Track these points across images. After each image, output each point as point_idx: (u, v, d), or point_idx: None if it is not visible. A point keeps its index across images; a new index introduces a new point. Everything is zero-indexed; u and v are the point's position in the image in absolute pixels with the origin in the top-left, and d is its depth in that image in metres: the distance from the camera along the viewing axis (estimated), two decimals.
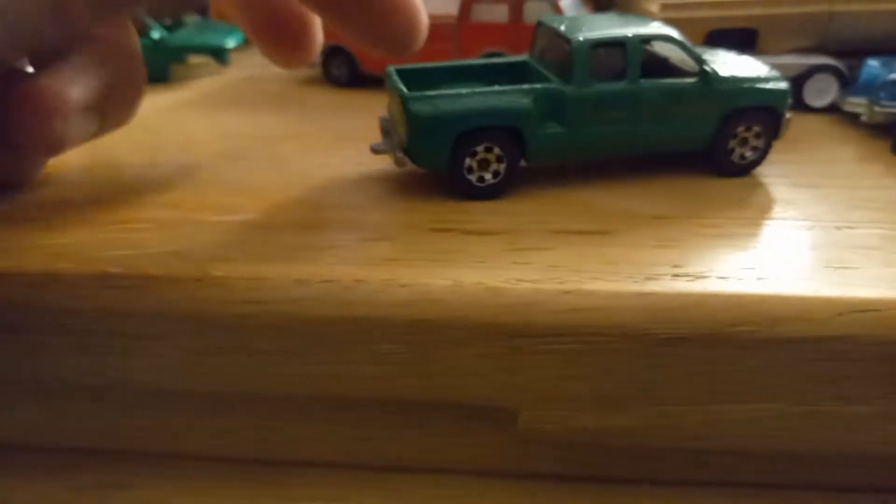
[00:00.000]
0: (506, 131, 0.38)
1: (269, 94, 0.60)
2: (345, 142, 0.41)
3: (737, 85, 0.40)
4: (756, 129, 0.41)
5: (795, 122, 0.51)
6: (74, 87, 0.35)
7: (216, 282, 0.31)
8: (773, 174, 0.42)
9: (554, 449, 0.33)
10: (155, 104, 0.57)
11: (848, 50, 0.56)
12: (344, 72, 0.57)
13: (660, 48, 0.43)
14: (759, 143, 0.41)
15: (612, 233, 0.35)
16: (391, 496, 0.35)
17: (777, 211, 0.38)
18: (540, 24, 0.42)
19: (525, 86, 0.39)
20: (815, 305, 0.29)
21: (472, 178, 0.38)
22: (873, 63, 0.51)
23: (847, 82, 0.54)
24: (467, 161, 0.38)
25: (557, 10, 0.53)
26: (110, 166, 0.44)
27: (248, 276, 0.31)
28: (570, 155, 0.40)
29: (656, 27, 0.41)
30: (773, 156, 0.42)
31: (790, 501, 0.34)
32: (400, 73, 0.41)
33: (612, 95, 0.39)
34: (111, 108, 0.38)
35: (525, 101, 0.38)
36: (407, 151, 0.39)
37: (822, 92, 0.55)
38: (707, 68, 0.40)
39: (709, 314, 0.29)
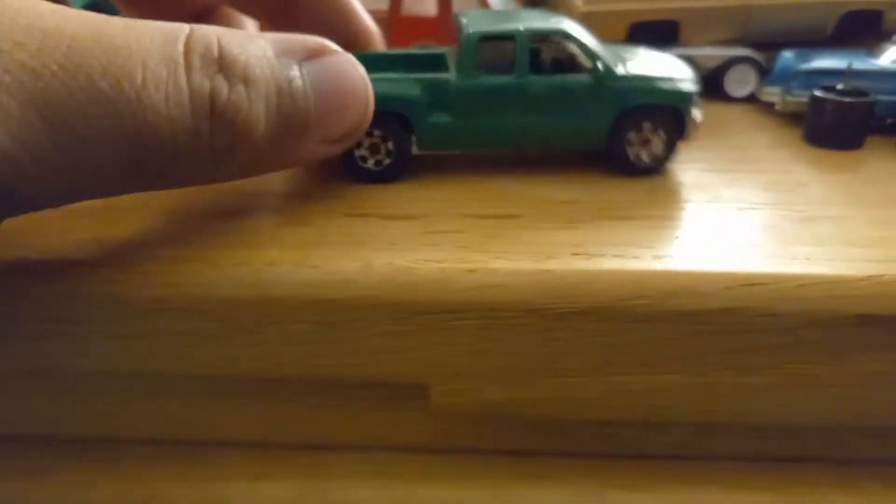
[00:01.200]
0: (395, 117, 0.39)
1: None
2: None
3: (631, 83, 0.40)
4: (655, 129, 0.40)
5: (715, 112, 0.54)
6: None
7: (133, 266, 0.32)
8: (688, 160, 0.44)
9: (467, 423, 0.35)
10: None
11: (767, 41, 0.58)
12: None
13: (569, 44, 0.41)
14: (661, 144, 0.41)
15: (521, 216, 0.36)
16: (313, 473, 0.36)
17: (685, 194, 0.39)
18: (455, 16, 0.43)
19: (415, 74, 0.40)
20: (705, 279, 0.31)
21: (368, 163, 0.40)
22: (787, 55, 0.53)
23: (765, 73, 0.56)
24: (355, 147, 0.39)
25: (484, 4, 0.55)
26: None
27: (164, 260, 0.32)
28: (460, 144, 0.41)
29: (555, 23, 0.41)
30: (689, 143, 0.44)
31: (698, 472, 0.36)
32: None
33: (499, 88, 0.39)
34: None
35: (413, 89, 0.39)
36: None
37: (741, 82, 0.57)
38: (599, 65, 0.39)
39: (603, 289, 0.31)
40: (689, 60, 0.54)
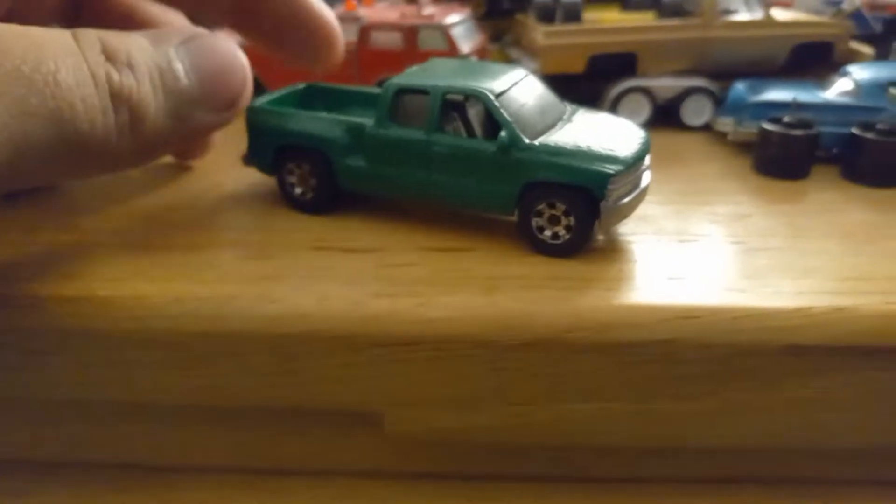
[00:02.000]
0: (318, 154, 0.41)
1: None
2: (240, 166, 0.44)
3: (538, 156, 0.36)
4: (564, 209, 0.36)
5: (671, 141, 0.56)
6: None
7: (101, 300, 0.33)
8: None
9: (422, 448, 0.36)
10: None
11: (723, 72, 0.60)
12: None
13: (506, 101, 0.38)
14: (570, 223, 0.37)
15: (473, 249, 0.38)
16: (275, 498, 0.38)
17: (631, 226, 0.41)
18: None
19: (340, 116, 0.41)
20: (642, 312, 0.33)
21: (297, 191, 0.43)
22: (740, 86, 0.56)
23: (720, 103, 0.58)
24: (287, 175, 0.42)
25: (448, 40, 0.56)
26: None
27: (130, 294, 0.33)
28: (375, 188, 0.41)
29: (482, 83, 0.38)
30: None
31: (645, 494, 0.38)
32: (312, 89, 0.46)
33: (406, 141, 0.39)
34: None
35: (334, 130, 0.41)
36: (247, 155, 0.44)
37: (697, 112, 0.59)
38: (505, 133, 0.37)
39: (546, 322, 0.32)
40: (647, 91, 0.57)
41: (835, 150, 0.51)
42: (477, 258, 0.37)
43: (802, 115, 0.49)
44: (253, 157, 0.44)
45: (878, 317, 0.33)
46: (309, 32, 0.41)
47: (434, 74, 0.40)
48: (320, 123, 0.41)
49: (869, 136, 0.48)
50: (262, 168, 0.44)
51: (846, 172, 0.49)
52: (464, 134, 0.39)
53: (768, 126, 0.49)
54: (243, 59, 0.36)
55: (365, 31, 0.58)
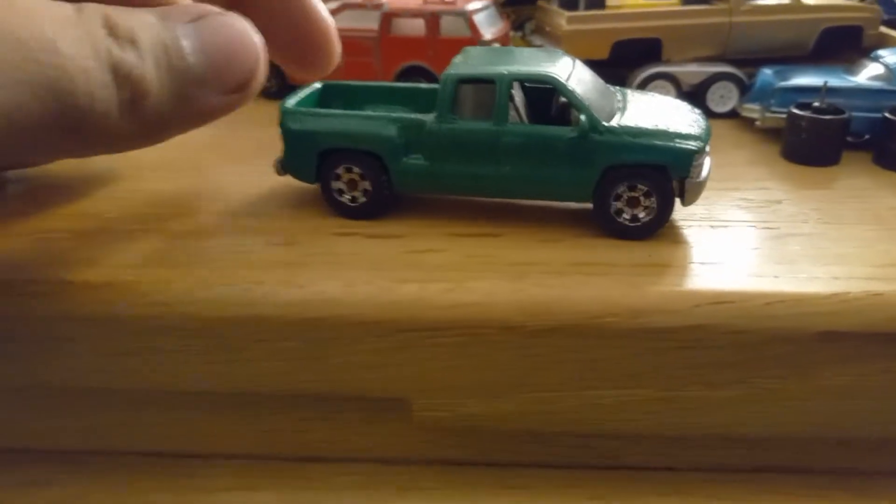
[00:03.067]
0: (369, 156, 0.38)
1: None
2: (265, 152, 0.43)
3: (620, 138, 0.36)
4: (646, 190, 0.36)
5: None
6: None
7: (125, 286, 0.33)
8: None
9: (449, 435, 0.36)
10: None
11: (749, 58, 0.59)
12: (273, 83, 0.59)
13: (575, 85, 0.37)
14: (651, 207, 0.37)
15: (500, 235, 0.37)
16: (303, 485, 0.37)
17: None
18: (462, 51, 0.42)
19: (393, 114, 0.39)
20: (673, 297, 0.32)
21: (345, 197, 0.39)
22: (767, 71, 0.55)
23: (746, 89, 0.57)
24: (334, 181, 0.39)
25: (472, 26, 0.56)
26: (33, 177, 0.45)
27: (154, 279, 0.33)
28: (435, 188, 0.39)
29: (546, 67, 0.38)
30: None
31: (672, 482, 0.37)
32: (330, 88, 0.43)
33: (474, 134, 0.37)
34: None
35: (388, 129, 0.38)
36: (283, 163, 0.41)
37: (723, 98, 0.58)
38: (584, 117, 0.36)
39: (574, 307, 0.32)
40: (672, 77, 0.56)
41: (866, 136, 0.50)
42: (503, 244, 0.37)
43: (832, 100, 0.49)
44: (291, 164, 0.40)
45: None
46: (303, 36, 0.40)
47: (487, 63, 0.39)
48: (372, 123, 0.38)
49: None
50: (303, 176, 0.40)
51: (878, 158, 0.48)
52: (523, 122, 0.38)
53: (798, 111, 0.48)
54: (257, 40, 0.35)
55: (386, 18, 0.58)
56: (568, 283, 0.33)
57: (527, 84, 0.40)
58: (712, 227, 0.39)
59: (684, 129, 0.37)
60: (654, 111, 0.39)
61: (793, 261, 0.35)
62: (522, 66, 0.38)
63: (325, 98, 0.43)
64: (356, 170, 0.38)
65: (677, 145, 0.36)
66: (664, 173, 0.36)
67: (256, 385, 0.35)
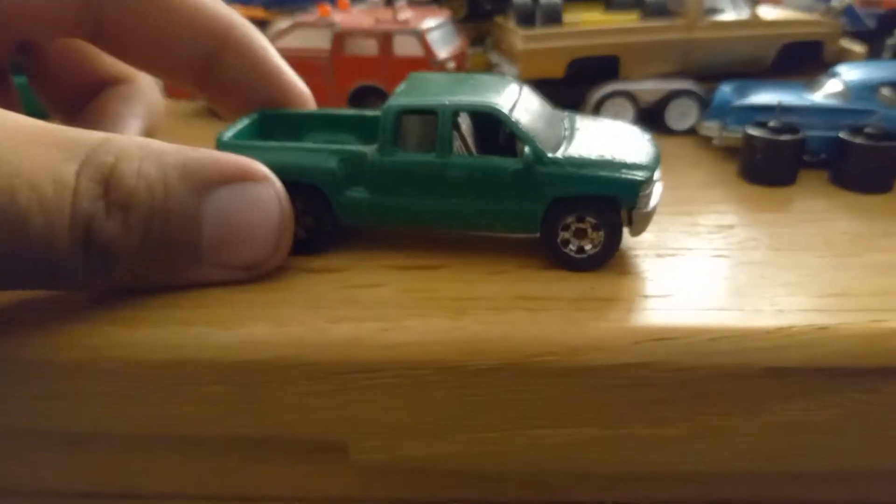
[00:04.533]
0: (311, 189, 0.37)
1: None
2: None
3: (565, 170, 0.35)
4: (593, 221, 0.36)
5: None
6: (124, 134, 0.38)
7: (52, 329, 0.32)
8: None
9: (389, 477, 0.35)
10: None
11: (710, 74, 0.59)
12: None
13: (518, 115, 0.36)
14: (599, 238, 0.36)
15: (443, 267, 0.36)
16: None
17: None
18: (407, 77, 0.40)
19: (333, 146, 0.37)
20: (614, 335, 0.31)
21: None
22: (725, 89, 0.54)
23: (706, 106, 0.57)
24: None
25: (425, 45, 0.55)
26: None
27: (82, 322, 0.32)
28: (380, 220, 0.38)
29: (490, 97, 0.37)
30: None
31: None
32: (268, 117, 0.41)
33: (417, 166, 0.36)
34: None
35: (329, 161, 0.36)
36: None
37: (683, 115, 0.57)
38: (529, 148, 0.35)
39: (514, 345, 0.31)
40: (630, 95, 0.55)
41: (822, 155, 0.49)
42: (445, 276, 0.36)
43: (788, 119, 0.48)
44: None
45: (861, 336, 0.31)
46: (277, 99, 0.40)
47: (430, 92, 0.37)
48: (312, 155, 0.37)
49: (857, 140, 0.46)
50: None
51: (834, 178, 0.48)
52: (468, 153, 0.37)
53: (753, 131, 0.47)
54: (286, 221, 0.33)
55: (339, 37, 0.57)
56: (509, 319, 0.32)
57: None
58: (659, 255, 0.38)
59: (632, 158, 0.36)
60: (601, 139, 0.38)
61: (740, 292, 0.34)
62: (466, 95, 0.37)
63: (263, 127, 0.41)
64: (298, 204, 0.36)
65: (624, 176, 0.35)
66: (612, 204, 0.36)
67: (190, 428, 0.33)
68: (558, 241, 0.36)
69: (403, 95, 0.37)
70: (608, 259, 0.36)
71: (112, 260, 0.29)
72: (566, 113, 0.41)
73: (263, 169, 0.33)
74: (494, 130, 0.40)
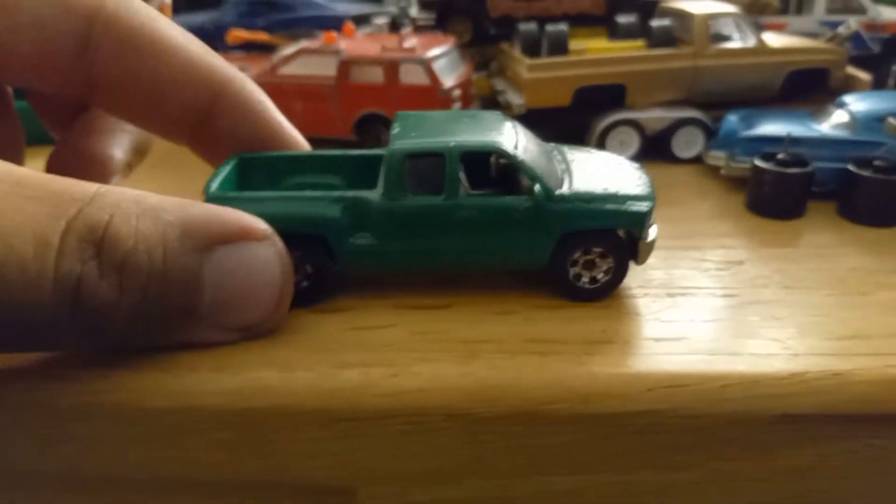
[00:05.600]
0: (312, 238, 0.36)
1: (157, 155, 0.60)
2: None
3: (574, 205, 0.35)
4: (601, 252, 0.36)
5: (662, 175, 0.54)
6: (116, 148, 0.37)
7: (58, 374, 0.32)
8: None
9: None
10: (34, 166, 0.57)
11: (716, 101, 0.58)
12: None
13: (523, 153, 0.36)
14: (607, 268, 0.37)
15: (451, 307, 0.36)
16: None
17: None
18: (396, 117, 0.39)
19: (334, 192, 0.36)
20: (625, 382, 0.31)
21: None
22: (732, 118, 0.54)
23: (712, 134, 0.56)
24: None
25: (431, 73, 0.55)
26: None
27: (86, 366, 0.32)
28: (386, 266, 0.37)
29: (493, 136, 0.36)
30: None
31: None
32: (247, 161, 0.39)
33: (426, 209, 0.35)
34: (136, 159, 0.39)
35: (332, 210, 0.35)
36: None
37: (689, 143, 0.57)
38: (538, 186, 0.35)
39: (524, 392, 0.31)
40: (636, 123, 0.55)
41: (831, 186, 0.49)
42: (454, 317, 0.35)
43: (797, 151, 0.48)
44: None
45: (875, 383, 0.31)
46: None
47: (430, 132, 0.37)
48: (313, 203, 0.35)
49: (865, 173, 0.46)
50: None
51: (842, 210, 0.48)
52: (469, 190, 0.37)
53: (761, 164, 0.47)
54: (286, 281, 0.32)
55: (344, 65, 0.56)
56: (517, 364, 0.32)
57: None
58: (670, 294, 0.38)
59: (634, 190, 0.37)
60: (600, 172, 0.38)
61: (751, 334, 0.34)
62: (467, 135, 0.36)
63: (244, 172, 0.39)
64: (296, 253, 0.34)
65: (630, 208, 0.36)
66: (617, 235, 0.36)
67: (196, 473, 0.33)
68: (570, 275, 0.36)
69: (404, 137, 0.36)
70: (616, 287, 0.37)
71: (105, 322, 0.28)
72: (552, 145, 0.41)
73: (265, 227, 0.32)
74: (484, 167, 0.40)
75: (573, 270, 0.36)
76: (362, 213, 0.35)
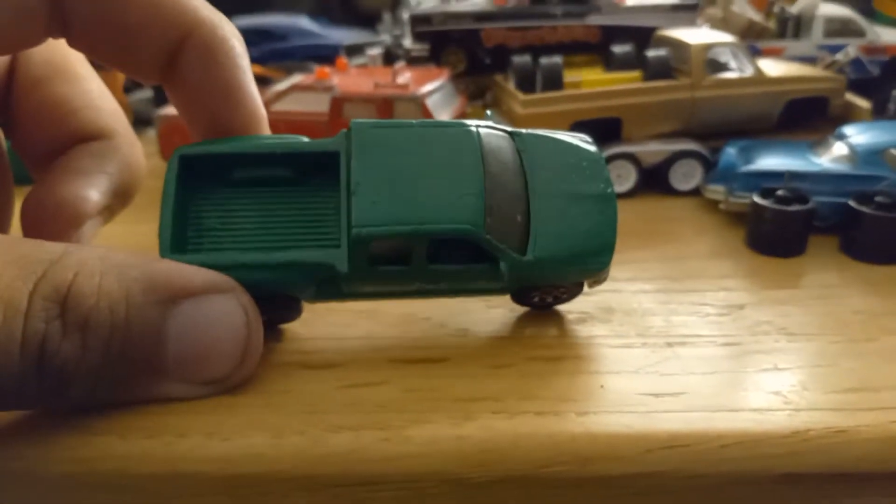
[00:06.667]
0: (282, 296, 0.36)
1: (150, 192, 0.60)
2: None
3: (543, 267, 0.36)
4: (560, 292, 0.39)
5: (660, 209, 0.54)
6: (91, 190, 0.36)
7: (41, 440, 0.31)
8: (624, 277, 0.43)
9: None
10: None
11: (714, 132, 0.58)
12: None
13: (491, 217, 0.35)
14: (564, 294, 0.39)
15: (446, 360, 0.35)
16: None
17: (615, 326, 0.39)
18: (351, 128, 0.37)
19: (302, 258, 0.34)
20: (625, 443, 0.30)
21: None
22: (731, 151, 0.53)
23: (710, 166, 0.56)
24: None
25: (424, 110, 0.54)
26: None
27: (73, 433, 0.31)
28: (354, 299, 0.37)
29: (463, 211, 0.34)
30: (626, 254, 0.43)
31: None
32: (189, 160, 0.36)
33: (394, 276, 0.35)
34: (116, 203, 0.38)
35: (301, 277, 0.35)
36: None
37: (686, 176, 0.56)
38: (503, 264, 0.35)
39: (522, 456, 0.30)
40: (632, 157, 0.54)
41: (832, 221, 0.48)
42: (448, 371, 0.35)
43: (797, 187, 0.47)
44: None
45: (882, 440, 0.30)
46: (232, 115, 0.37)
47: (399, 197, 0.35)
48: (281, 272, 0.34)
49: (866, 209, 0.45)
50: None
51: (845, 246, 0.47)
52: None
53: (761, 201, 0.46)
54: (252, 333, 0.32)
55: (337, 102, 0.56)
56: (513, 426, 0.31)
57: None
58: (669, 344, 0.37)
59: (600, 238, 0.36)
60: (567, 206, 0.37)
61: (753, 387, 0.33)
62: (435, 207, 0.34)
63: (187, 167, 0.36)
64: (266, 304, 0.34)
65: (594, 267, 0.37)
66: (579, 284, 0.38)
67: None
68: (531, 302, 0.39)
69: (366, 202, 0.34)
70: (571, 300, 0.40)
71: (69, 380, 0.28)
72: (514, 143, 0.39)
73: (229, 280, 0.32)
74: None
75: (534, 299, 0.39)
76: (330, 277, 0.34)
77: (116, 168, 0.39)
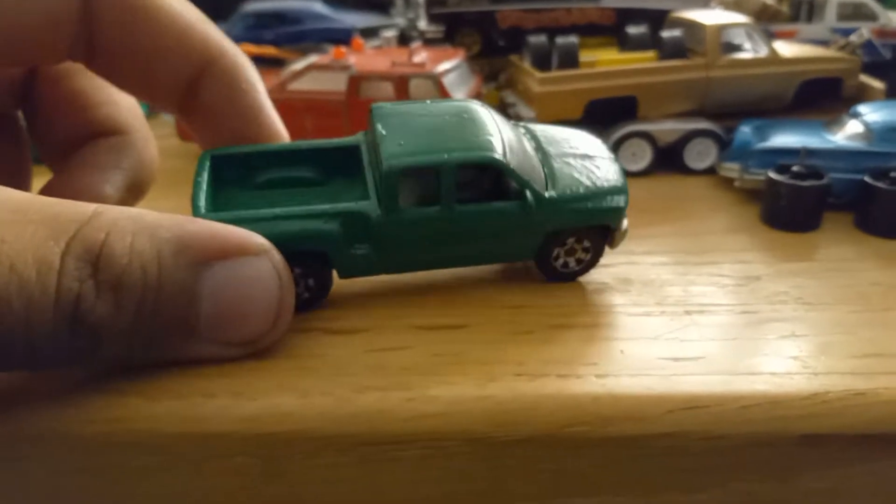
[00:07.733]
0: (312, 253, 0.36)
1: (168, 172, 0.60)
2: None
3: (564, 206, 0.38)
4: (585, 243, 0.39)
5: (675, 188, 0.54)
6: (106, 185, 0.37)
7: (74, 403, 0.31)
8: (640, 251, 0.44)
9: None
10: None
11: (728, 112, 0.58)
12: None
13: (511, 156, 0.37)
14: (587, 254, 0.40)
15: (467, 326, 0.36)
16: None
17: (633, 296, 0.39)
18: (370, 117, 0.38)
19: (329, 207, 0.36)
20: (646, 404, 0.31)
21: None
22: (745, 129, 0.54)
23: (725, 145, 0.56)
24: None
25: (441, 88, 0.55)
26: None
27: (104, 394, 0.32)
28: (384, 271, 0.38)
29: (484, 146, 0.36)
30: (642, 229, 0.44)
31: None
32: (220, 159, 0.38)
33: (423, 221, 0.36)
34: (129, 198, 0.39)
35: (330, 226, 0.35)
36: None
37: (701, 155, 0.57)
38: (529, 193, 0.37)
39: (545, 416, 0.30)
40: (647, 136, 0.55)
41: (847, 198, 0.48)
42: (471, 337, 0.35)
43: (812, 163, 0.47)
44: None
45: None
46: (251, 134, 0.39)
47: (418, 139, 0.36)
48: (311, 221, 0.35)
49: (881, 185, 0.45)
50: None
51: (860, 222, 0.47)
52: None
53: (776, 177, 0.47)
54: (284, 294, 0.32)
55: (354, 81, 0.56)
56: (536, 387, 0.32)
57: None
58: (688, 312, 0.37)
59: (611, 181, 0.39)
60: (576, 159, 0.40)
61: (771, 353, 0.34)
62: (459, 143, 0.36)
63: (218, 171, 0.38)
64: (296, 270, 0.35)
65: (610, 205, 0.38)
66: (602, 228, 0.39)
67: (217, 499, 0.33)
68: (554, 262, 0.40)
69: (392, 144, 0.36)
70: (591, 268, 0.40)
71: (102, 340, 0.28)
72: (521, 127, 0.42)
73: (261, 241, 0.32)
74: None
75: (556, 259, 0.39)
76: (360, 226, 0.36)
77: (131, 164, 0.39)
